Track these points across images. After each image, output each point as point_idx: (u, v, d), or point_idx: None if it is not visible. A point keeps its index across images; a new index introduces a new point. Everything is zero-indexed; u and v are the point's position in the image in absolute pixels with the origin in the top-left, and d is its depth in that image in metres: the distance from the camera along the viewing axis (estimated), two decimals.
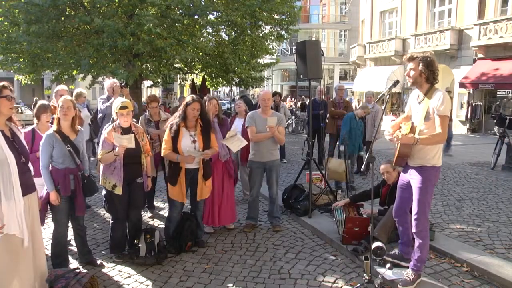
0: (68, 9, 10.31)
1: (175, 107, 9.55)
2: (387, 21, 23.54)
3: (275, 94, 9.58)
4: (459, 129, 17.39)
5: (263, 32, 12.66)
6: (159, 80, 12.33)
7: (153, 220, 5.45)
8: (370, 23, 24.65)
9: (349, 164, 6.66)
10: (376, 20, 24.13)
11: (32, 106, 21.05)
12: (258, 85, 14.09)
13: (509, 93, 16.36)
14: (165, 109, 9.62)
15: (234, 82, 13.37)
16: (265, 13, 11.37)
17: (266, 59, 15.97)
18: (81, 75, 11.46)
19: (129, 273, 3.88)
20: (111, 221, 4.15)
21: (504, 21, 15.17)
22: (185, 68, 13.00)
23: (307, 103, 10.33)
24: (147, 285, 3.66)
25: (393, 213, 3.74)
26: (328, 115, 8.15)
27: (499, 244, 4.37)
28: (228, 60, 11.19)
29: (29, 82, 12.49)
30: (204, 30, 12.12)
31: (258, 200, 5.15)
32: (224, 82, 13.83)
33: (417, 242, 3.42)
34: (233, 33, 12.13)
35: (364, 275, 3.45)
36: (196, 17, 10.71)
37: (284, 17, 12.15)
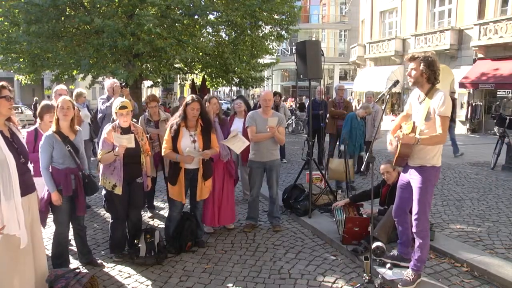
0: (68, 9, 10.30)
1: (175, 107, 9.57)
2: (387, 21, 23.54)
3: (275, 94, 9.58)
4: (459, 129, 17.37)
5: (263, 32, 12.65)
6: (159, 80, 12.34)
7: (153, 220, 5.45)
8: (370, 23, 24.66)
9: (351, 164, 6.64)
10: (376, 20, 24.13)
11: (32, 106, 21.22)
12: (258, 85, 14.10)
13: (509, 93, 16.36)
14: (165, 109, 9.61)
15: (234, 82, 13.38)
16: (265, 13, 11.37)
17: (266, 59, 15.97)
18: (81, 75, 11.47)
19: (129, 273, 3.88)
20: (111, 221, 4.15)
21: (504, 21, 15.17)
22: (185, 68, 13.00)
23: (306, 103, 10.34)
24: (147, 285, 3.66)
25: (392, 213, 3.74)
26: (328, 115, 8.17)
27: (499, 244, 4.37)
28: (228, 60, 11.18)
29: (29, 82, 12.48)
30: (204, 30, 12.12)
31: (258, 200, 5.15)
32: (224, 82, 13.83)
33: (417, 242, 3.42)
34: (233, 33, 12.13)
35: (364, 275, 3.45)
36: (196, 17, 10.71)
37: (284, 17, 12.15)
